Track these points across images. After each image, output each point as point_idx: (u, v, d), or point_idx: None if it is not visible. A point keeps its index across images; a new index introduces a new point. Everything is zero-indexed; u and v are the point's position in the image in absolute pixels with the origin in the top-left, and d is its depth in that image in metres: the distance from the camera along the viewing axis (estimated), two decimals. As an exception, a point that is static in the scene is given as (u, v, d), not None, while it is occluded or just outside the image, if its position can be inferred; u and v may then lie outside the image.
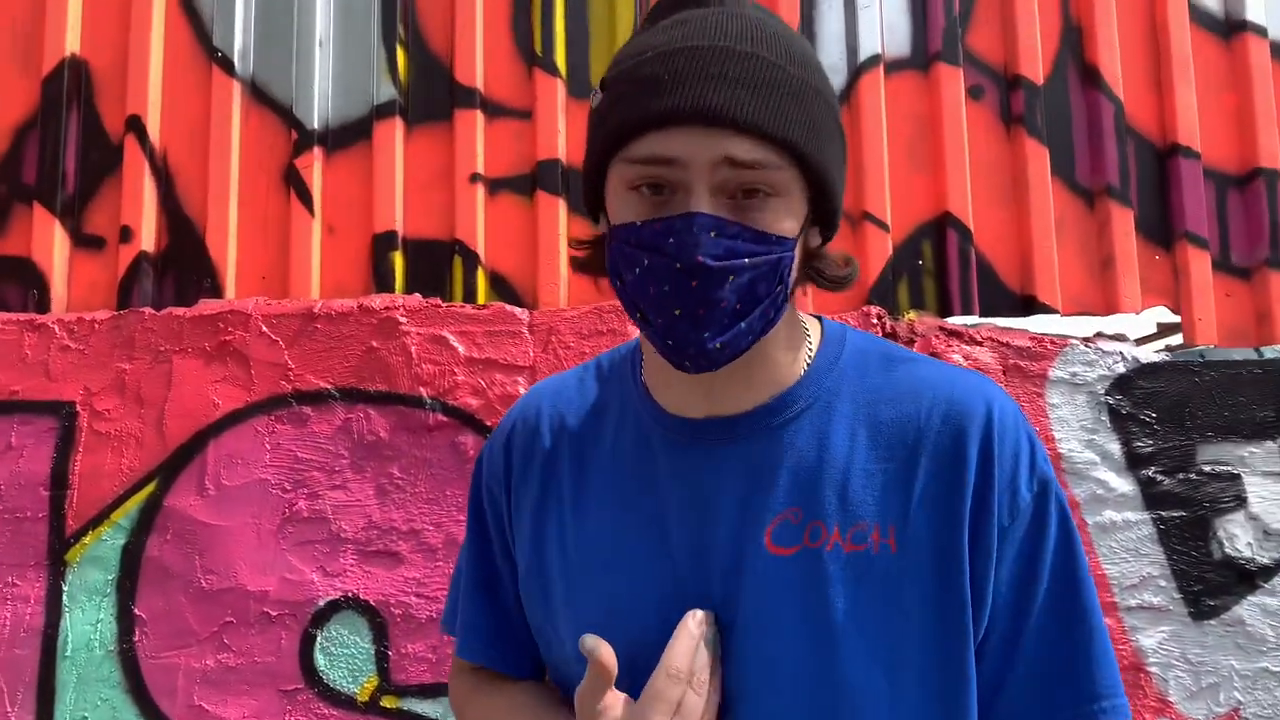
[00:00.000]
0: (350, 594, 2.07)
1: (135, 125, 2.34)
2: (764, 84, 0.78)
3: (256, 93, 2.39)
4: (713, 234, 0.78)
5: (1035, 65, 2.42)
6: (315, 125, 2.36)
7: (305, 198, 2.33)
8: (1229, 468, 2.20)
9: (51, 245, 2.30)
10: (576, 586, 0.92)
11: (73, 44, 2.37)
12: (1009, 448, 0.85)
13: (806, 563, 0.84)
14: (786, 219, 0.81)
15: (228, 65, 2.37)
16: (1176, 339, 2.34)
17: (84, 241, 2.33)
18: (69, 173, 2.35)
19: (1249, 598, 2.17)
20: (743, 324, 0.81)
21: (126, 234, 2.30)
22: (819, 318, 0.97)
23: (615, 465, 0.94)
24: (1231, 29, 2.49)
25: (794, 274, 0.85)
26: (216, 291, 2.29)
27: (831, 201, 0.86)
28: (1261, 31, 2.47)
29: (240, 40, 2.39)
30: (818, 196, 0.84)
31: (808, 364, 0.91)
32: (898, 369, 0.91)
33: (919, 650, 0.83)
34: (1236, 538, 2.18)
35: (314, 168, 2.34)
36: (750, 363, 0.87)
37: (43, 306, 2.26)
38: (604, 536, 0.92)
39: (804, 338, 0.93)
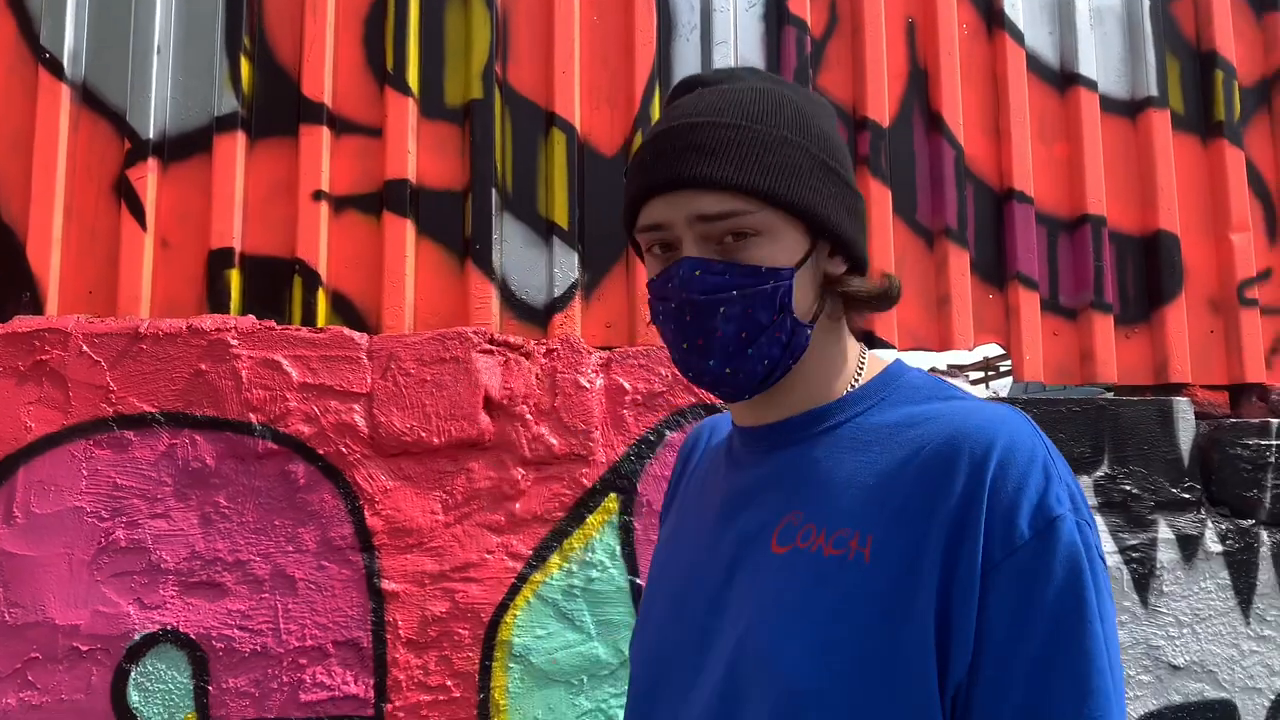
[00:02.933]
0: (169, 627, 1.99)
1: (-50, 126, 2.20)
2: (726, 145, 0.89)
3: (88, 98, 2.28)
4: (698, 273, 0.90)
5: (882, 109, 2.49)
6: (151, 135, 2.26)
7: (137, 210, 2.23)
8: (1047, 501, 2.31)
9: None
10: (650, 590, 1.07)
11: (-119, 36, 2.22)
12: (1012, 480, 0.82)
13: (793, 561, 0.88)
14: (778, 253, 0.91)
15: (56, 67, 2.25)
16: (1006, 376, 2.45)
17: (-111, 248, 2.19)
18: (-126, 174, 2.19)
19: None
20: (751, 350, 0.91)
21: (-63, 242, 2.17)
22: (896, 359, 1.01)
23: (698, 475, 1.10)
24: (1066, 81, 2.61)
25: (808, 301, 0.93)
26: (37, 306, 2.17)
27: (836, 232, 0.93)
28: (1093, 85, 2.60)
29: (71, 41, 2.27)
30: (818, 230, 0.92)
31: (851, 388, 0.97)
32: (938, 401, 0.92)
33: (871, 656, 0.82)
34: (1052, 568, 2.29)
35: (148, 179, 2.25)
36: (791, 380, 0.96)
37: None
38: (674, 537, 1.07)
39: (847, 365, 0.98)
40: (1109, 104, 2.62)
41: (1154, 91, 2.62)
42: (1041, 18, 2.64)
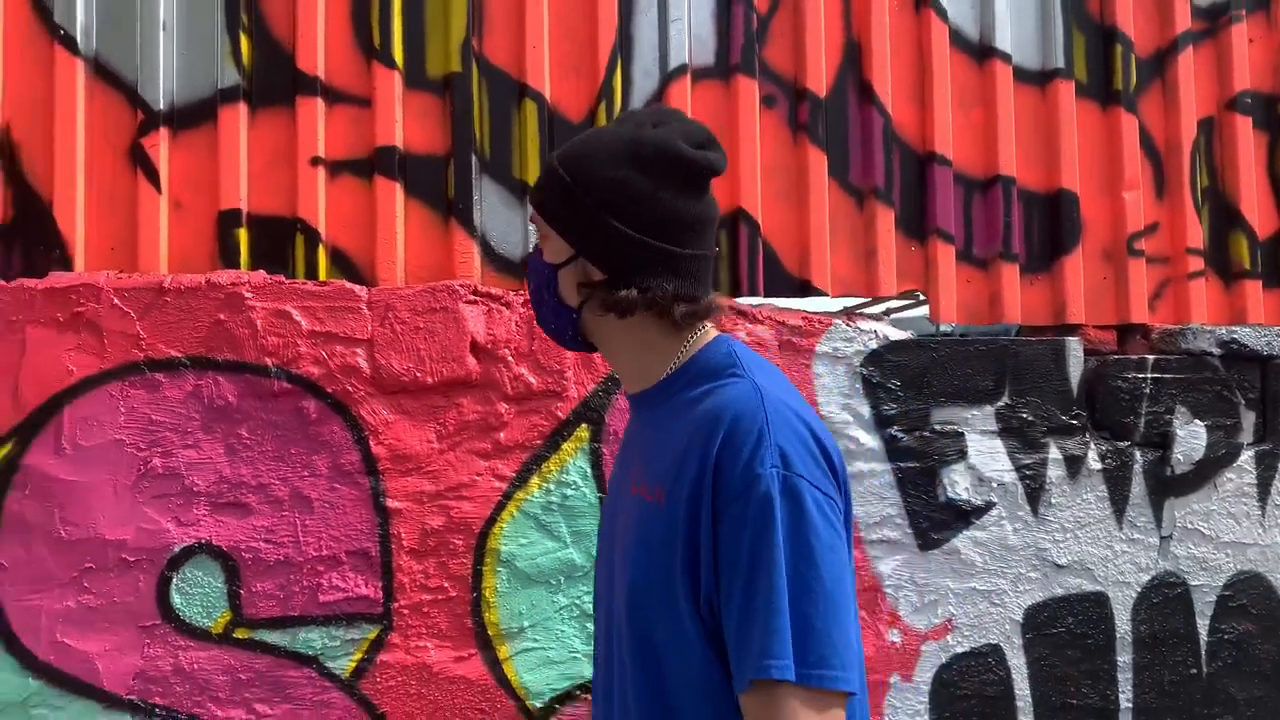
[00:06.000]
0: (203, 540, 2.32)
1: (-23, 98, 2.42)
2: (542, 174, 1.31)
3: (100, 72, 2.51)
4: (531, 255, 1.35)
5: (820, 80, 2.79)
6: (161, 106, 2.50)
7: (152, 175, 2.48)
8: (955, 427, 2.70)
9: (-106, 214, 2.39)
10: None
11: (-92, 14, 2.42)
12: (729, 451, 1.11)
13: (635, 502, 1.24)
14: (550, 253, 1.29)
15: (70, 43, 2.47)
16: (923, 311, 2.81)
17: (-72, 211, 2.43)
18: (-91, 142, 2.42)
19: (964, 532, 2.69)
20: (540, 311, 1.33)
21: (-29, 205, 2.41)
22: (717, 338, 1.29)
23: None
24: (984, 54, 2.92)
25: (571, 293, 1.28)
26: (66, 263, 2.44)
27: (584, 249, 1.25)
28: (1007, 58, 2.92)
29: (82, 19, 2.49)
30: (573, 245, 1.27)
31: (672, 369, 1.26)
32: (711, 383, 1.22)
33: (660, 571, 1.16)
34: (958, 484, 2.69)
35: (160, 146, 2.50)
36: (620, 357, 1.31)
37: (-112, 274, 2.36)
38: (612, 474, 1.43)
39: (661, 350, 1.27)
40: (1021, 74, 2.94)
41: (1061, 63, 2.94)
42: (964, -5, 2.94)
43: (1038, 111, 2.96)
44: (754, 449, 1.10)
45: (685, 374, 1.24)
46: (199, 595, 2.32)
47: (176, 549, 2.32)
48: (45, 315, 2.31)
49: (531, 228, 1.38)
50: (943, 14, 2.88)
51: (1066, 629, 2.74)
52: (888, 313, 2.76)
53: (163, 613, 2.31)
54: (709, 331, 1.29)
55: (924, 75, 2.88)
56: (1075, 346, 2.78)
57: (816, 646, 1.05)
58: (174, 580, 2.32)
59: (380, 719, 2.37)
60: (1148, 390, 2.82)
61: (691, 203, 1.23)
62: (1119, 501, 2.80)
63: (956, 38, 2.91)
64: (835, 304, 2.72)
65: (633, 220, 1.21)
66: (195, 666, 2.31)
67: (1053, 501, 2.75)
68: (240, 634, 2.33)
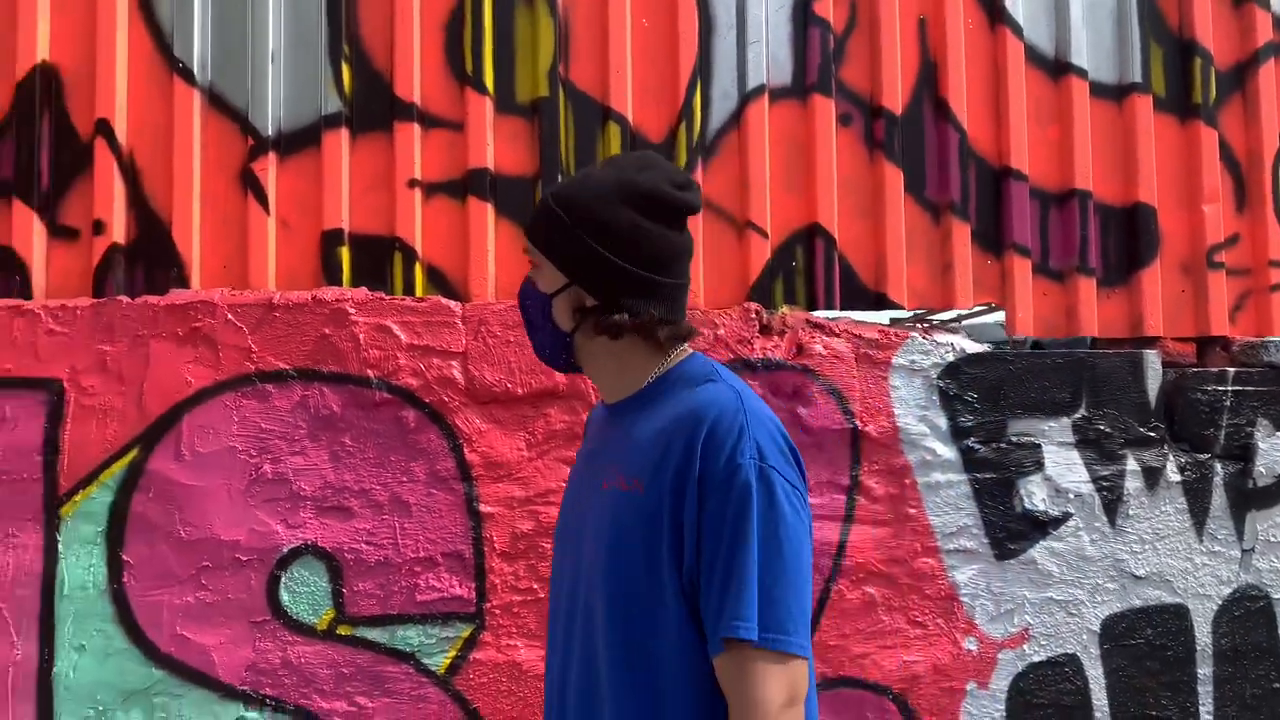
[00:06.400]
0: (309, 542, 2.47)
1: (104, 128, 2.61)
2: (536, 209, 1.43)
3: (215, 101, 2.68)
4: (524, 284, 1.46)
5: (896, 98, 2.85)
6: (269, 132, 2.67)
7: (261, 197, 2.65)
8: (1032, 438, 2.73)
9: (30, 236, 2.58)
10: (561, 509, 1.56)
11: (43, 51, 2.62)
12: (714, 443, 1.26)
13: (610, 495, 1.35)
14: (544, 282, 1.42)
15: (188, 75, 2.65)
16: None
17: (60, 233, 2.62)
18: (43, 169, 2.62)
19: (1041, 542, 2.72)
20: (535, 336, 1.45)
21: (99, 227, 2.59)
22: (692, 355, 1.44)
23: (589, 435, 1.57)
24: (1059, 70, 2.95)
25: (565, 318, 1.40)
26: (183, 281, 2.61)
27: (579, 278, 1.38)
28: (1083, 73, 2.94)
29: (199, 52, 2.66)
30: (568, 275, 1.38)
31: (651, 379, 1.40)
32: (692, 388, 1.37)
33: (639, 551, 1.29)
34: (1034, 494, 2.72)
35: (269, 170, 2.66)
36: (603, 372, 1.43)
37: (25, 292, 2.56)
38: (572, 477, 1.55)
39: (648, 363, 1.41)
40: (1098, 89, 2.97)
41: (1138, 78, 2.96)
42: (1040, 12, 2.97)
43: (1114, 125, 2.97)
44: (735, 442, 1.26)
45: (664, 383, 1.39)
46: (305, 593, 2.47)
47: (285, 550, 2.46)
48: (167, 330, 2.48)
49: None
50: (1018, 31, 2.92)
51: (1145, 640, 2.75)
52: (959, 319, 2.80)
53: (272, 609, 2.45)
54: (686, 350, 1.44)
55: (999, 91, 2.92)
56: (1153, 359, 2.79)
57: (776, 614, 1.21)
58: (282, 579, 2.46)
59: (473, 714, 2.48)
60: (1228, 403, 2.82)
61: (673, 237, 1.38)
62: (1199, 514, 2.80)
63: (1032, 54, 2.95)
64: (904, 314, 2.77)
65: (623, 252, 1.35)
66: (302, 660, 2.45)
67: (1131, 513, 2.76)
68: (343, 630, 2.47)
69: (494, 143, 2.73)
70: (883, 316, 2.75)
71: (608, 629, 1.31)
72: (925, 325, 2.75)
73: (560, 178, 2.72)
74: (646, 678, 1.27)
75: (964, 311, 2.82)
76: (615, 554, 1.31)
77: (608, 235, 1.35)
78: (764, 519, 1.23)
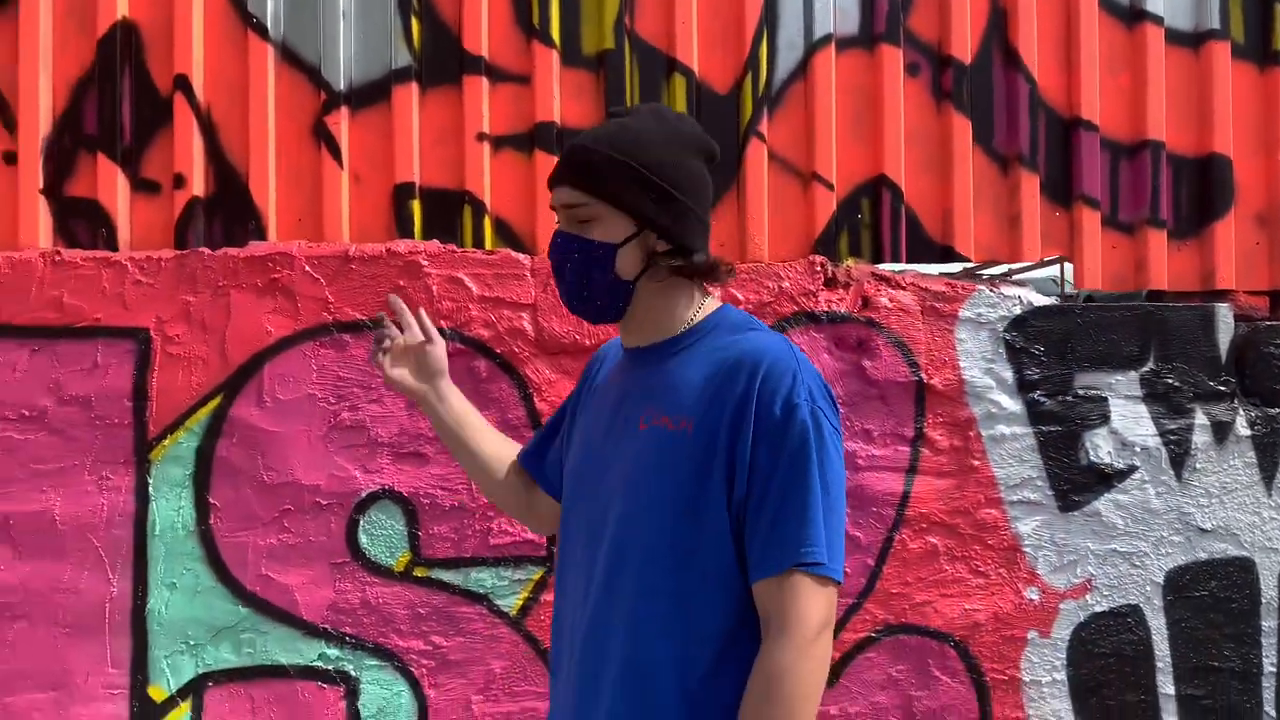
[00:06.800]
0: (387, 486, 2.55)
1: (182, 83, 2.67)
2: (578, 161, 1.39)
3: (287, 56, 2.73)
4: (559, 240, 1.42)
5: (964, 46, 2.81)
6: (341, 86, 2.71)
7: (334, 150, 2.70)
8: (1099, 392, 2.72)
9: (114, 189, 2.66)
10: (570, 452, 1.56)
11: (124, 8, 2.68)
12: (769, 384, 1.31)
13: (649, 434, 1.38)
14: (606, 233, 1.38)
15: (261, 30, 2.70)
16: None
17: (142, 186, 2.70)
18: (125, 124, 2.69)
19: (1105, 495, 2.72)
20: (585, 292, 1.40)
21: (180, 180, 2.67)
22: (724, 305, 1.48)
23: (600, 383, 1.55)
24: (1134, 17, 2.89)
25: (632, 266, 1.38)
26: (260, 233, 2.68)
27: (654, 224, 1.38)
28: (1159, 20, 2.88)
29: (271, 7, 2.70)
30: (641, 221, 1.37)
31: (688, 325, 1.43)
32: (739, 333, 1.41)
33: (687, 486, 1.33)
34: (1100, 448, 2.72)
35: (341, 124, 2.70)
36: (644, 319, 1.43)
37: (111, 244, 2.64)
38: (586, 421, 1.54)
39: (690, 309, 1.44)
40: (1173, 36, 2.90)
41: (1216, 24, 2.88)
42: (1114, -44, 2.90)
43: (1190, 74, 2.91)
44: (791, 385, 1.32)
45: (704, 328, 1.42)
46: (382, 536, 2.55)
47: (363, 494, 2.55)
48: (247, 281, 2.56)
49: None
50: (1092, -24, 2.86)
51: (1209, 592, 2.75)
52: (1009, 274, 2.77)
53: (351, 551, 2.54)
54: (714, 298, 1.48)
55: (1071, 40, 2.87)
56: (1225, 312, 2.76)
57: (832, 544, 1.30)
58: (361, 522, 2.55)
59: (544, 654, 2.56)
60: (1301, 357, 2.78)
61: (710, 181, 1.46)
62: (1268, 468, 2.77)
63: (1105, 1, 2.88)
64: (954, 268, 2.76)
65: (694, 197, 1.41)
66: (380, 601, 2.55)
67: (1198, 467, 2.75)
68: (419, 572, 2.56)
69: (560, 96, 2.75)
70: (948, 268, 2.74)
71: (643, 560, 1.35)
72: (988, 279, 2.74)
73: (627, 130, 2.73)
74: (677, 605, 1.33)
75: (1013, 266, 2.80)
76: (659, 489, 1.34)
77: (682, 181, 1.39)
78: (819, 457, 1.30)
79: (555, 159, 2.69)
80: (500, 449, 1.69)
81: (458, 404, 1.67)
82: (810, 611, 1.26)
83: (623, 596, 1.35)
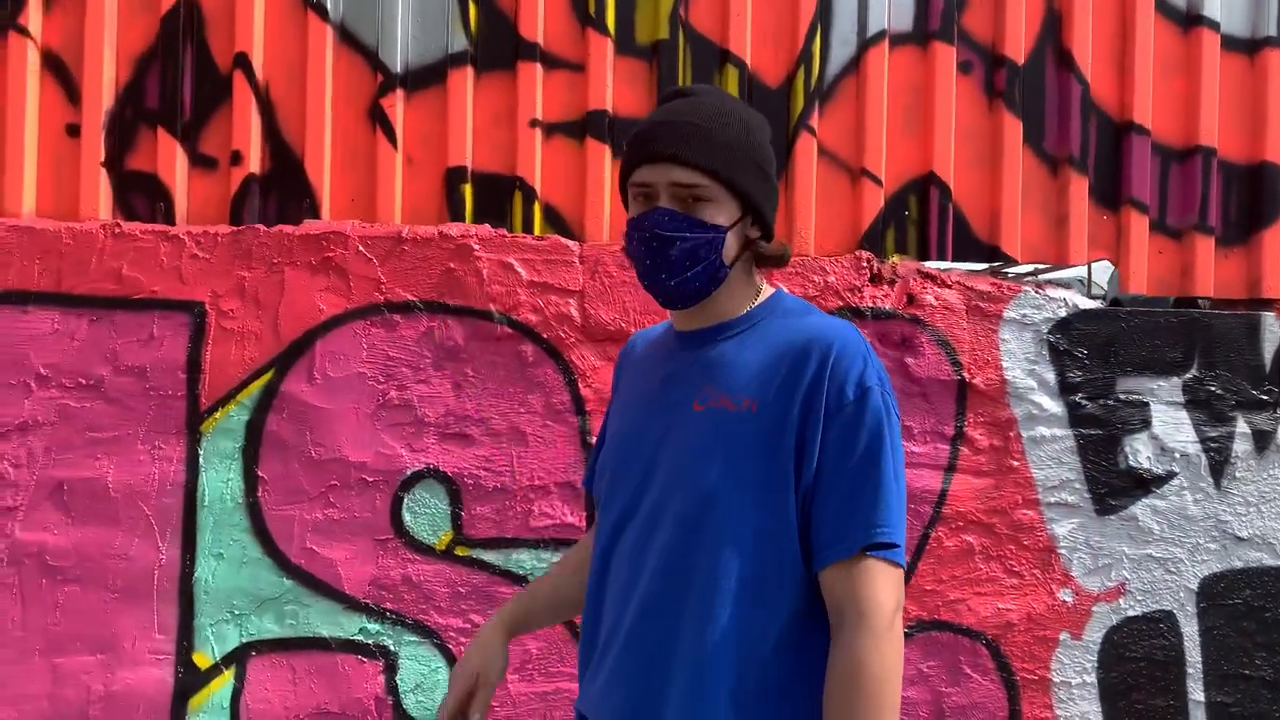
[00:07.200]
0: (431, 466, 2.59)
1: (242, 61, 2.71)
2: (694, 139, 1.34)
3: (345, 37, 2.76)
4: (667, 219, 1.35)
5: (1018, 46, 2.81)
6: (398, 69, 2.74)
7: (389, 132, 2.73)
8: (1140, 397, 2.73)
9: (173, 164, 2.70)
10: (610, 441, 1.53)
11: (186, -15, 2.72)
12: (842, 366, 1.31)
13: (708, 415, 1.36)
14: (718, 215, 1.36)
15: (321, 11, 2.73)
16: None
17: (200, 162, 2.74)
18: (185, 101, 2.73)
19: (1143, 500, 2.73)
20: (689, 274, 1.36)
21: (237, 157, 2.71)
22: (778, 288, 1.50)
23: (640, 366, 1.54)
24: (1190, 22, 2.88)
25: (733, 251, 1.37)
26: (314, 212, 2.71)
27: (758, 209, 1.38)
28: (1215, 25, 2.86)
29: (332, -12, 2.74)
30: (746, 204, 1.37)
31: (749, 308, 1.43)
32: (801, 317, 1.42)
33: (755, 472, 1.32)
34: (1139, 452, 2.72)
35: (396, 106, 2.73)
36: (713, 302, 1.41)
37: (169, 218, 2.69)
38: (627, 407, 1.52)
39: (751, 294, 1.44)
40: (1229, 42, 2.88)
41: (1272, 31, 2.86)
42: (1173, -40, 2.89)
43: (1245, 80, 2.89)
44: (862, 368, 1.32)
45: (765, 310, 1.42)
46: (426, 515, 2.59)
47: (408, 472, 2.59)
48: (300, 259, 2.59)
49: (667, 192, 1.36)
50: (1149, -20, 2.84)
51: (1244, 601, 2.75)
52: (1034, 274, 2.77)
53: (395, 528, 2.59)
54: (766, 280, 1.50)
55: (1126, 43, 2.86)
56: (1271, 321, 2.75)
57: (902, 529, 1.31)
58: (405, 500, 2.59)
59: (579, 636, 2.59)
60: (1347, 369, 2.77)
61: None
62: (1308, 479, 2.77)
63: (1162, 5, 2.87)
64: (1025, 271, 2.76)
65: (775, 184, 1.44)
66: (421, 578, 2.59)
67: (1237, 475, 2.75)
68: (460, 552, 2.60)
69: (613, 84, 2.77)
70: (983, 269, 2.75)
71: (716, 541, 1.33)
72: (1033, 281, 2.74)
73: (678, 121, 2.75)
74: (749, 586, 1.32)
75: (1044, 266, 2.80)
76: (715, 475, 1.33)
77: (770, 167, 1.41)
78: (891, 441, 1.32)
79: (606, 148, 2.75)
80: (573, 562, 1.69)
81: (523, 613, 1.70)
82: (885, 596, 1.26)
83: (690, 578, 1.34)
